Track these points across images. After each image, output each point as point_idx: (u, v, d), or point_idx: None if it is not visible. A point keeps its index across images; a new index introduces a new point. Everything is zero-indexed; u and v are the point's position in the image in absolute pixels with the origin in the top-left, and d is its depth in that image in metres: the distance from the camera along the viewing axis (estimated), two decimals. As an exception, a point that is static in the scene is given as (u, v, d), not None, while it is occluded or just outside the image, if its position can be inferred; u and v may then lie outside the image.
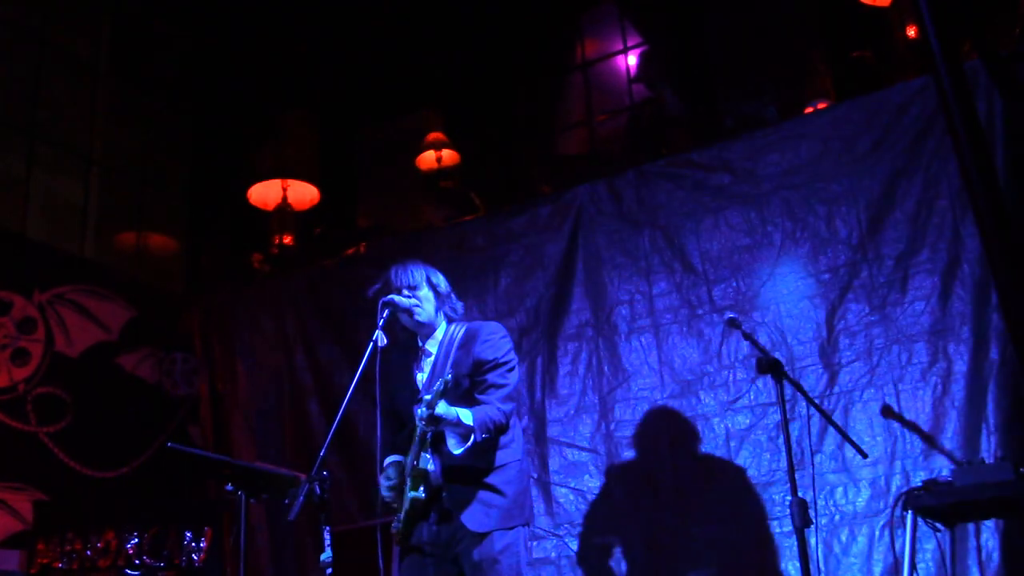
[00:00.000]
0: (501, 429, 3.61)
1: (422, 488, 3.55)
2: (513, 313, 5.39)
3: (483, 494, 3.55)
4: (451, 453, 3.49)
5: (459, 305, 3.92)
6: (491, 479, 3.59)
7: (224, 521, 5.81)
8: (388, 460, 3.84)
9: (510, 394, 3.70)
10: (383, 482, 3.76)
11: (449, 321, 3.87)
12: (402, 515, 3.62)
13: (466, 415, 3.45)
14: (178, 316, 6.65)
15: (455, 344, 3.79)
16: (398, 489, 3.71)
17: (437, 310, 3.83)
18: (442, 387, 3.35)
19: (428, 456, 3.53)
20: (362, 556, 4.71)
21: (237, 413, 6.20)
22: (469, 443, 3.46)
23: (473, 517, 3.53)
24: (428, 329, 3.85)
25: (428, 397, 3.37)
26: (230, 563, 5.76)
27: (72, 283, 6.15)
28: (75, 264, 6.38)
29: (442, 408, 3.36)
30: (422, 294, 3.79)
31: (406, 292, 3.78)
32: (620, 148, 6.62)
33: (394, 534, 3.70)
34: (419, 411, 3.39)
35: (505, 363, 3.74)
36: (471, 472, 3.57)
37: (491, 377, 3.67)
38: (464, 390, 3.65)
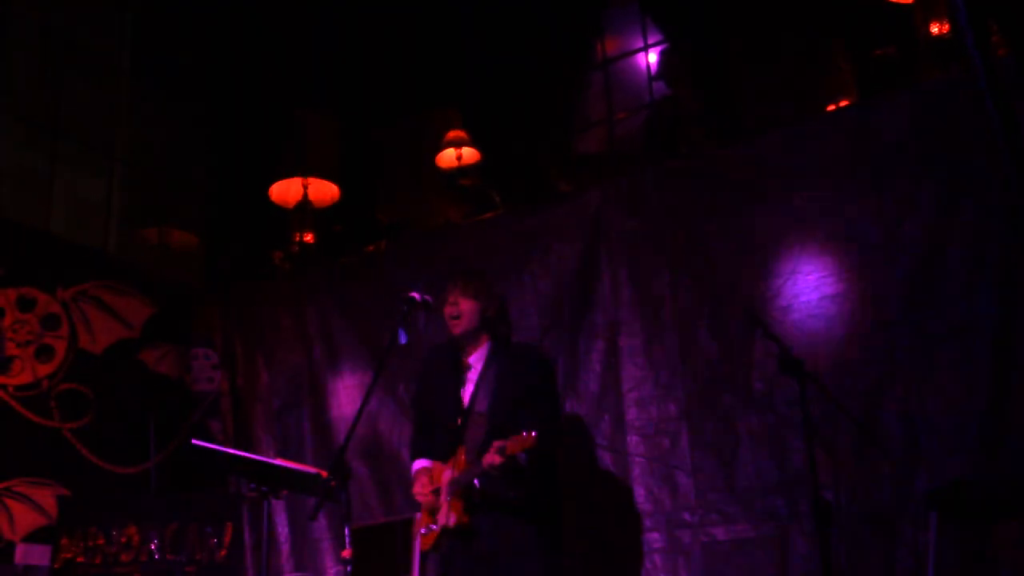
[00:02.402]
0: (546, 458, 3.67)
1: (465, 507, 3.58)
2: (533, 312, 5.38)
3: (524, 519, 3.63)
4: (510, 493, 3.57)
5: (507, 328, 3.92)
6: (531, 501, 3.65)
7: (244, 517, 5.84)
8: (419, 466, 3.87)
9: (561, 427, 3.75)
10: (418, 491, 3.79)
11: (494, 340, 3.87)
12: (436, 526, 3.65)
13: (522, 458, 3.47)
14: (199, 312, 6.68)
15: (501, 366, 3.80)
16: (435, 500, 3.73)
17: (480, 325, 3.84)
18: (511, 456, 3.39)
19: (475, 479, 3.59)
20: (382, 553, 4.73)
21: (258, 409, 6.23)
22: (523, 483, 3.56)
23: (516, 540, 3.60)
24: (469, 341, 3.86)
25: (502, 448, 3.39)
26: (250, 559, 5.79)
27: (95, 279, 6.19)
28: (98, 261, 6.43)
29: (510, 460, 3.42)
30: (465, 307, 3.80)
31: (451, 300, 3.81)
32: (640, 146, 6.61)
33: (423, 536, 3.73)
34: (490, 459, 3.42)
35: (556, 395, 3.86)
36: (513, 494, 3.61)
37: (544, 409, 3.72)
38: (510, 420, 3.65)
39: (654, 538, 4.80)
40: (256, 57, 7.39)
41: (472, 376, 3.85)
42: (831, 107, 5.35)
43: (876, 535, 4.29)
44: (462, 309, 3.81)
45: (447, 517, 3.64)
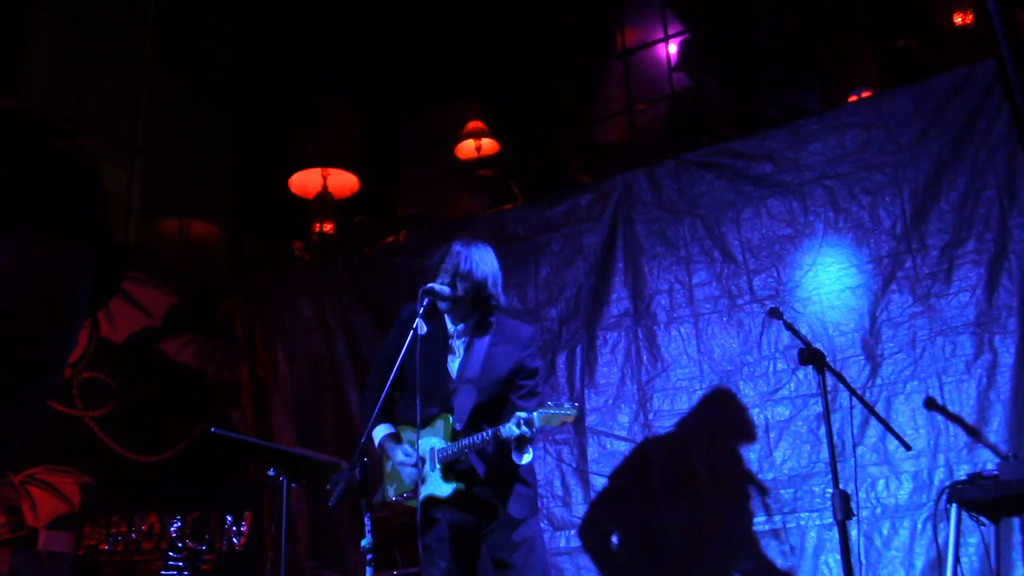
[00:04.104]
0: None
1: (457, 476, 3.69)
2: (553, 303, 5.39)
3: (517, 486, 3.75)
4: (515, 462, 3.64)
5: (501, 297, 3.93)
6: (521, 472, 3.76)
7: (264, 506, 5.88)
8: (385, 432, 3.87)
9: (542, 398, 3.94)
10: (404, 460, 3.78)
11: (486, 312, 3.88)
12: (420, 495, 3.68)
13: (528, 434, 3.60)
14: (220, 303, 6.72)
15: (489, 340, 3.82)
16: (420, 467, 3.77)
17: (476, 300, 3.83)
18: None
19: (474, 453, 3.69)
20: (402, 542, 4.75)
21: (277, 399, 6.26)
22: (529, 454, 3.64)
23: (512, 505, 3.72)
24: (462, 316, 3.87)
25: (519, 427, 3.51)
26: (270, 547, 5.83)
27: (116, 270, 6.22)
28: (119, 251, 6.46)
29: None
30: (465, 284, 3.80)
31: (448, 279, 3.79)
32: (660, 137, 6.59)
33: (405, 505, 3.76)
34: (508, 431, 3.53)
35: (540, 366, 4.00)
36: (506, 467, 3.69)
37: (532, 384, 3.86)
38: (500, 391, 3.78)
39: (672, 529, 4.80)
40: (277, 48, 7.42)
41: (460, 345, 3.87)
42: (853, 97, 5.32)
43: (896, 528, 4.28)
44: (460, 288, 3.82)
45: (438, 486, 3.69)
